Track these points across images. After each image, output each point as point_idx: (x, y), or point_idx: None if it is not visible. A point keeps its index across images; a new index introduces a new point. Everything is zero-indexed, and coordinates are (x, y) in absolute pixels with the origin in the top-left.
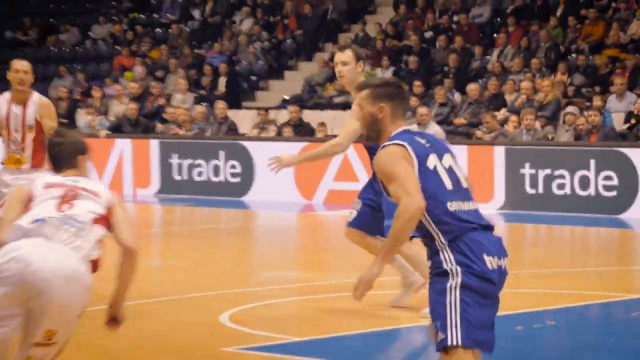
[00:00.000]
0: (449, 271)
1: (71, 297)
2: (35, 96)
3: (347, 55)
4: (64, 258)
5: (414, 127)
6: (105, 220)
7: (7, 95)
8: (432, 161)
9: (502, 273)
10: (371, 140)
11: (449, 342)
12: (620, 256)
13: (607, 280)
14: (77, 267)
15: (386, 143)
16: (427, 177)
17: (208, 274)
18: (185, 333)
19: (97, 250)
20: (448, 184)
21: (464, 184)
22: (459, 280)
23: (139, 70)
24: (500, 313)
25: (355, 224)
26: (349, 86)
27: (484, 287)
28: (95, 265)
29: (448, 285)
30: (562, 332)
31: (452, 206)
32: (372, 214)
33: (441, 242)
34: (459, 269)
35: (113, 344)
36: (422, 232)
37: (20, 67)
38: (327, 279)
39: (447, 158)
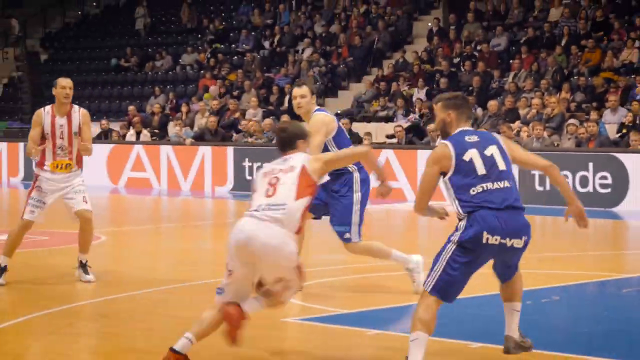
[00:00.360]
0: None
1: (277, 259)
2: (75, 107)
3: (304, 90)
4: (270, 233)
5: (470, 128)
6: (306, 180)
7: (48, 109)
8: (469, 154)
9: (504, 248)
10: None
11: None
12: (613, 242)
13: (602, 263)
14: (280, 238)
15: (439, 142)
16: (460, 167)
17: None
18: None
19: (298, 220)
20: (481, 170)
21: (501, 167)
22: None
23: (216, 90)
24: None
25: None
26: (305, 115)
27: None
28: (299, 229)
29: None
30: (565, 305)
31: (478, 189)
32: (317, 205)
33: (460, 214)
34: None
35: (194, 315)
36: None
37: (66, 84)
38: (368, 262)
39: (491, 148)
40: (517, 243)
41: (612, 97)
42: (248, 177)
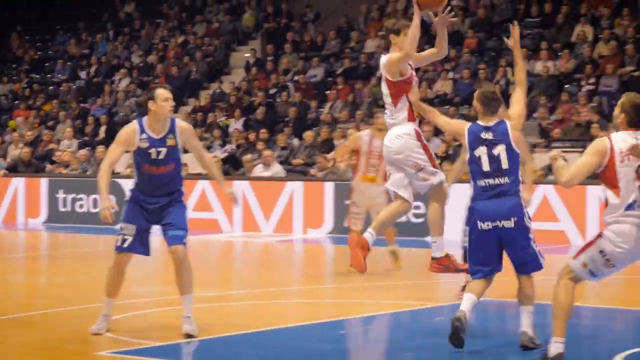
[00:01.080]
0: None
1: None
2: None
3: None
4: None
5: (490, 123)
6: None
7: None
8: (479, 151)
9: (500, 230)
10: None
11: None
12: (426, 272)
13: (416, 292)
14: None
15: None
16: (472, 161)
17: (86, 289)
18: (66, 340)
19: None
20: (486, 166)
21: (505, 166)
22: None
23: (22, 120)
24: (316, 320)
25: (130, 248)
26: (166, 120)
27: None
28: (410, 117)
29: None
30: (375, 334)
31: (481, 182)
32: (143, 236)
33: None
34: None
35: (4, 350)
36: None
37: None
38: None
39: (499, 147)
40: (507, 224)
41: (426, 127)
42: (62, 209)
